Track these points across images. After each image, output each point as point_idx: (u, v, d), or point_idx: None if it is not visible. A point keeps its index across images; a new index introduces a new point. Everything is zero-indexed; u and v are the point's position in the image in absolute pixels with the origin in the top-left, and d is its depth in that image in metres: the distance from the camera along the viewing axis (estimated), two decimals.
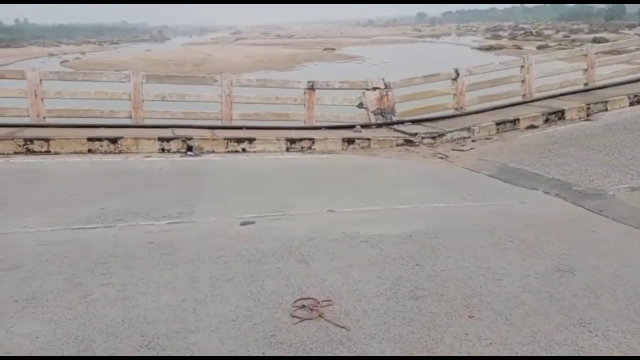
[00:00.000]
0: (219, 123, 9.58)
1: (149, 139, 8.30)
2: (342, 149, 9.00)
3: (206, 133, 8.91)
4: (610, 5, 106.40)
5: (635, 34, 62.50)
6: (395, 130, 9.98)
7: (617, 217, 4.87)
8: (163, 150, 8.30)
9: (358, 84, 10.66)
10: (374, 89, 10.53)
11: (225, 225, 4.71)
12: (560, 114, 10.03)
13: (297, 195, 5.79)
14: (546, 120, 9.92)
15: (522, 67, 11.32)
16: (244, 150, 8.66)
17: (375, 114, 10.54)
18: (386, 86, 10.54)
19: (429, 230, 4.50)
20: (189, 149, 8.36)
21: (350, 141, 9.08)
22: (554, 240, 4.25)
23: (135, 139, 8.25)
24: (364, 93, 10.53)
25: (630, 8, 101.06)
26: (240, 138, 8.74)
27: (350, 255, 3.97)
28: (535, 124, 9.84)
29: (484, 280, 3.53)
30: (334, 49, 62.75)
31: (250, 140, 8.75)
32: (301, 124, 10.08)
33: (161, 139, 8.35)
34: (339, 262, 3.83)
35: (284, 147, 8.86)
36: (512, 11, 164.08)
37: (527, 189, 6.10)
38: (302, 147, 8.92)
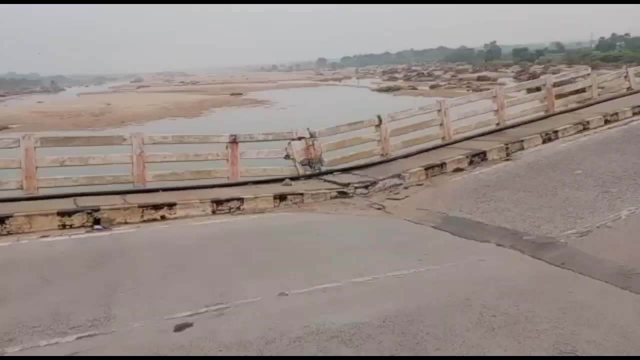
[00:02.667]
0: (130, 187, 8.49)
1: (46, 214, 6.98)
2: (274, 206, 8.30)
3: (116, 200, 7.77)
4: (488, 47, 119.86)
5: (512, 71, 70.52)
6: (325, 180, 9.54)
7: (582, 271, 4.67)
8: (64, 226, 7.02)
9: (282, 134, 10.14)
10: (300, 138, 10.08)
11: (155, 333, 3.76)
12: (482, 155, 10.22)
13: (238, 276, 4.96)
14: (470, 163, 10.03)
15: (439, 110, 11.56)
16: (163, 217, 7.63)
17: (303, 165, 10.05)
18: (311, 135, 10.14)
19: (402, 311, 3.92)
20: (96, 222, 7.17)
21: (282, 197, 8.42)
22: (537, 311, 3.86)
23: (27, 215, 6.90)
24: (289, 144, 10.03)
25: (505, 49, 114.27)
26: (157, 204, 7.71)
27: None
28: (461, 166, 9.90)
29: None
30: (241, 94, 62.68)
31: (170, 205, 7.76)
32: (225, 181, 9.28)
33: (61, 213, 7.07)
34: None
35: (210, 209, 7.97)
36: (404, 54, 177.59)
37: (478, 241, 5.82)
38: (229, 208, 8.09)
